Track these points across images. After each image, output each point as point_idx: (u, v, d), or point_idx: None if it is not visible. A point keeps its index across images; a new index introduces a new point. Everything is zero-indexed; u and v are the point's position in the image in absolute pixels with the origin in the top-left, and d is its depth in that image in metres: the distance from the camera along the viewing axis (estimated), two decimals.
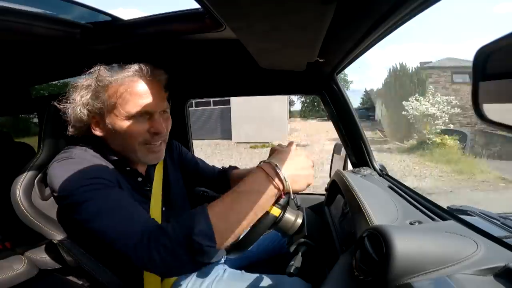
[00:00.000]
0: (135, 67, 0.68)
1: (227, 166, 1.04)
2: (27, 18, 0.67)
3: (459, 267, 0.44)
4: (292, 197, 0.58)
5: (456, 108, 10.03)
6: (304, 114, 30.57)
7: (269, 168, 0.54)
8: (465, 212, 0.73)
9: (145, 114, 0.68)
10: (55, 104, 0.70)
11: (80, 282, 0.88)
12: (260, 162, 0.57)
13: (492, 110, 0.34)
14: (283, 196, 0.56)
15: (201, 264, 0.51)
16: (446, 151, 8.79)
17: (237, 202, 0.52)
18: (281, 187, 0.53)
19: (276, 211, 0.59)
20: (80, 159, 0.64)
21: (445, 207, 0.72)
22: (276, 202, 0.59)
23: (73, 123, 0.70)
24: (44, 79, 1.27)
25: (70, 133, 0.72)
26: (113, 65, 0.69)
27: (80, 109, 0.67)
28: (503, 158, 8.30)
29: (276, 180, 0.53)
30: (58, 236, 0.77)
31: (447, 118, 10.09)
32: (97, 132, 0.70)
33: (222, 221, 0.51)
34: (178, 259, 0.50)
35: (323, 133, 13.66)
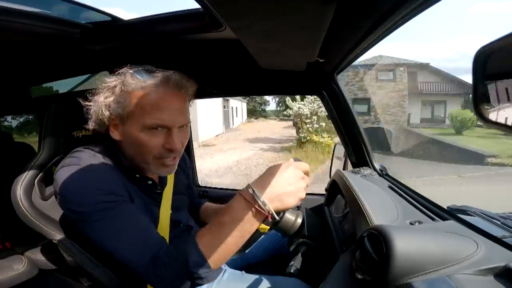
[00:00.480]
0: (164, 75, 0.64)
1: None
2: (27, 18, 0.67)
3: (459, 267, 0.44)
4: (278, 217, 0.61)
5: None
6: (277, 113, 30.99)
7: (247, 194, 0.56)
8: (465, 212, 0.73)
9: (162, 128, 0.64)
10: (80, 100, 0.68)
11: (80, 282, 0.87)
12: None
13: (492, 110, 0.34)
14: (269, 218, 0.56)
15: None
16: (314, 149, 9.64)
17: (222, 232, 0.57)
18: (262, 211, 0.55)
19: (264, 228, 0.60)
20: (89, 166, 0.62)
21: (445, 207, 0.72)
22: (264, 222, 0.60)
23: (93, 122, 0.68)
24: (44, 79, 1.27)
25: (90, 128, 0.69)
26: (141, 69, 0.65)
27: (102, 110, 0.65)
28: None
29: (256, 206, 0.55)
30: (58, 236, 0.77)
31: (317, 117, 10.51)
32: (115, 136, 0.68)
33: (212, 250, 0.57)
34: (181, 285, 0.59)
35: (258, 133, 13.91)
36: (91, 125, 0.69)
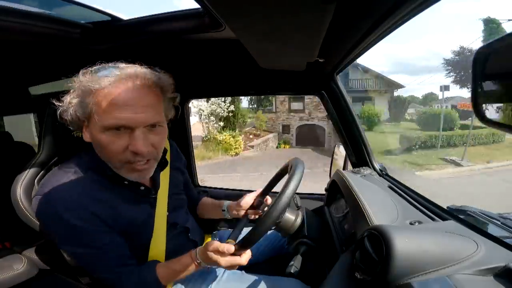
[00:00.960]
0: (129, 71, 0.59)
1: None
2: (27, 18, 0.67)
3: (459, 267, 0.44)
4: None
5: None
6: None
7: (193, 254, 0.71)
8: (465, 212, 0.73)
9: (124, 128, 0.58)
10: (54, 102, 0.64)
11: (80, 282, 0.88)
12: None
13: (492, 110, 0.34)
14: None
15: None
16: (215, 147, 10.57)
17: (176, 273, 0.72)
18: (198, 266, 0.72)
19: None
20: (57, 195, 0.61)
21: (445, 207, 0.72)
22: None
23: (69, 125, 0.64)
24: (44, 79, 1.26)
25: (76, 134, 0.66)
26: (107, 66, 0.61)
27: (71, 111, 0.60)
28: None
29: (196, 262, 0.71)
30: None
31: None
32: (86, 138, 0.63)
33: (164, 280, 0.72)
34: None
35: None
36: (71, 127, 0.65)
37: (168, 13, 0.75)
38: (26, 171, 0.79)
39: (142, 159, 0.62)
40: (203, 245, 0.72)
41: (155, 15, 0.77)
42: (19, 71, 1.13)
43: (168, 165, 0.82)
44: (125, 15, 0.80)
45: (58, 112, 0.62)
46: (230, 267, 0.68)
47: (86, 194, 0.62)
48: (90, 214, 0.61)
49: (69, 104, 0.60)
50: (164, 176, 0.82)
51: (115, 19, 0.80)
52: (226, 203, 0.96)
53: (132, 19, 0.79)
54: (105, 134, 0.58)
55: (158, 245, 0.76)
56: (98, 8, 0.79)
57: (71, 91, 0.61)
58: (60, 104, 0.62)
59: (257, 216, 0.88)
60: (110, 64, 0.61)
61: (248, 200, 0.90)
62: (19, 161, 0.93)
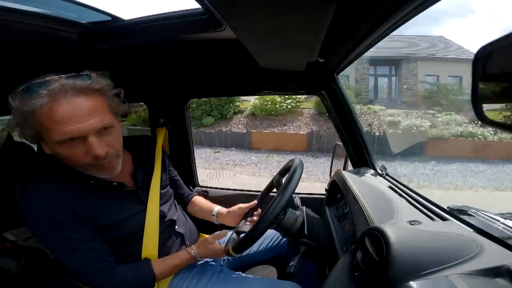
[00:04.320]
0: (58, 83, 0.57)
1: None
2: (27, 17, 0.67)
3: (459, 267, 0.44)
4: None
5: None
6: None
7: (190, 250, 0.83)
8: (465, 212, 0.73)
9: (77, 138, 0.59)
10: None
11: (80, 282, 0.88)
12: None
13: (492, 110, 0.34)
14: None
15: None
16: None
17: (172, 268, 0.80)
18: (195, 260, 0.83)
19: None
20: (32, 199, 0.64)
21: (446, 207, 0.72)
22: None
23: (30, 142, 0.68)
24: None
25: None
26: (27, 85, 0.58)
27: (21, 132, 0.61)
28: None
29: (192, 255, 0.82)
30: None
31: None
32: (47, 151, 0.64)
33: (160, 276, 0.78)
34: None
35: None
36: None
37: (168, 13, 0.75)
38: (27, 172, 0.79)
39: (104, 161, 0.64)
40: (200, 241, 0.84)
41: (156, 15, 0.77)
42: (19, 71, 1.12)
43: (159, 169, 0.89)
44: (125, 15, 0.80)
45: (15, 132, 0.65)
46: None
47: (58, 190, 0.66)
48: (61, 207, 0.64)
49: (15, 126, 0.61)
50: (157, 170, 0.87)
51: (115, 19, 0.80)
52: (216, 209, 1.00)
53: (133, 19, 0.79)
54: (62, 147, 0.59)
55: (151, 241, 0.79)
56: (99, 8, 0.79)
57: (12, 115, 0.60)
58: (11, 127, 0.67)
59: (246, 225, 0.90)
60: (34, 82, 0.58)
61: (238, 212, 0.93)
62: (19, 161, 0.93)
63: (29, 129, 0.60)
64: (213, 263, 0.90)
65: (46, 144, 0.63)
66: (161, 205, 0.85)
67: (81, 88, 0.59)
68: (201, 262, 0.87)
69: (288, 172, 0.75)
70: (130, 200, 0.79)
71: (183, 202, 1.07)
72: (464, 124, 7.86)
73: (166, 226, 0.86)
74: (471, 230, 0.56)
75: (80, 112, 0.58)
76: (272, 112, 9.27)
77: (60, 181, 0.67)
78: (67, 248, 0.67)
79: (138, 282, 0.74)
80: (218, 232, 0.84)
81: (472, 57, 0.33)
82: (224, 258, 1.01)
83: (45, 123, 0.57)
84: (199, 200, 1.08)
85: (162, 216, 0.84)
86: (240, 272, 0.87)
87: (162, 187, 0.90)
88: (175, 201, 0.97)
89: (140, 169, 0.84)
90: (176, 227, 0.89)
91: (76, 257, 0.68)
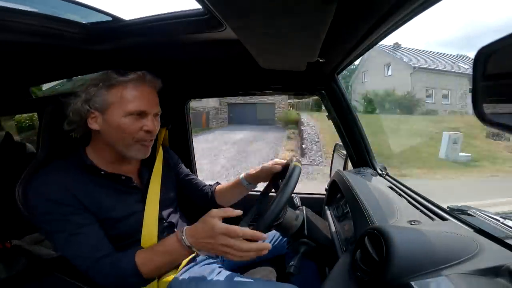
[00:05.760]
0: (139, 73, 0.78)
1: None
2: (27, 18, 0.67)
3: (459, 267, 0.44)
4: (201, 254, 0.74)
5: None
6: None
7: (179, 235, 0.69)
8: (465, 212, 0.73)
9: (141, 114, 0.76)
10: (60, 98, 0.77)
11: (80, 281, 0.88)
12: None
13: (492, 110, 0.34)
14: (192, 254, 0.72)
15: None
16: None
17: (158, 255, 0.70)
18: (188, 250, 0.68)
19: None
20: (42, 181, 0.71)
21: (446, 207, 0.72)
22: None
23: (70, 118, 0.76)
24: (44, 79, 1.27)
25: (66, 128, 0.78)
26: (120, 70, 0.77)
27: (81, 104, 0.74)
28: None
29: (184, 245, 0.67)
30: None
31: None
32: (94, 126, 0.76)
33: (146, 265, 0.69)
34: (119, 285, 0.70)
35: None
36: (65, 125, 0.77)
37: (169, 13, 0.75)
38: (26, 171, 0.79)
39: (151, 136, 0.80)
40: (196, 223, 0.67)
41: (156, 15, 0.77)
42: (19, 71, 1.13)
43: (159, 168, 0.90)
44: (126, 15, 0.80)
45: (69, 108, 0.76)
46: (242, 256, 0.62)
47: (67, 177, 0.72)
48: (67, 191, 0.70)
49: (82, 98, 0.75)
50: (157, 171, 0.89)
51: (116, 19, 0.80)
52: (242, 175, 0.99)
53: (133, 19, 0.79)
54: (126, 118, 0.74)
55: (148, 242, 0.78)
56: (99, 8, 0.79)
57: (90, 85, 0.75)
58: (68, 99, 0.76)
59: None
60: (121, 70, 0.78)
61: (266, 166, 0.92)
62: (19, 161, 0.93)
63: (103, 99, 0.74)
64: (212, 263, 0.90)
65: (100, 119, 0.75)
66: (162, 207, 0.86)
67: (155, 83, 0.82)
68: (201, 263, 0.87)
69: (286, 173, 0.75)
70: (134, 197, 0.82)
71: (207, 196, 1.04)
72: None
73: (165, 228, 0.86)
74: (471, 230, 0.56)
75: (151, 97, 0.79)
76: None
77: (71, 170, 0.74)
78: (66, 232, 0.68)
79: (118, 272, 0.68)
80: (229, 208, 0.69)
81: None
82: (225, 260, 1.01)
83: (127, 96, 0.74)
84: (221, 186, 1.07)
85: (161, 218, 0.85)
86: (239, 274, 0.87)
87: (166, 189, 0.91)
88: (178, 207, 0.98)
89: (145, 169, 0.88)
90: (175, 230, 0.88)
91: (76, 242, 0.69)
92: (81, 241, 0.69)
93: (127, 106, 0.74)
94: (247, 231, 0.63)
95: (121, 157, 0.80)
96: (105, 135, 0.76)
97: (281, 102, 16.66)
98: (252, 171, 0.97)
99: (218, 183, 1.10)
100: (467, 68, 16.36)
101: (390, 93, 16.02)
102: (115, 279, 0.69)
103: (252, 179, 0.97)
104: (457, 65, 17.13)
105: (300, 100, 18.11)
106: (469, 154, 7.50)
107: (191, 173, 1.08)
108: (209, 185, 1.08)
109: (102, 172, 0.77)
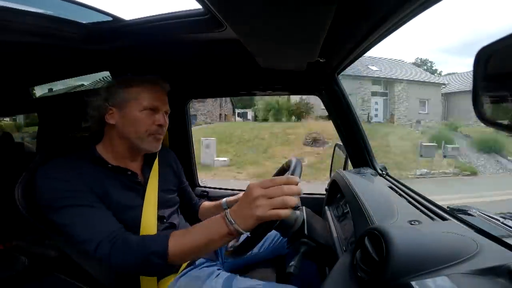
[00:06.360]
0: (153, 77, 0.89)
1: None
2: (28, 18, 0.67)
3: (459, 267, 0.44)
4: (236, 242, 0.73)
5: None
6: None
7: (223, 213, 0.64)
8: (465, 212, 0.73)
9: (155, 109, 0.85)
10: (84, 97, 0.86)
11: (80, 281, 0.88)
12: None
13: (492, 110, 0.34)
14: (235, 235, 0.63)
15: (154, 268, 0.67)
16: None
17: (193, 233, 0.67)
18: (230, 228, 0.61)
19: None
20: (59, 171, 0.74)
21: (446, 207, 0.72)
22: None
23: (90, 113, 0.85)
24: (45, 79, 1.27)
25: (86, 124, 0.86)
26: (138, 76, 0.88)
27: (102, 101, 0.83)
28: None
29: (227, 221, 0.62)
30: (58, 236, 0.77)
31: None
32: (110, 121, 0.84)
33: (178, 246, 0.66)
34: (132, 266, 0.68)
35: None
36: (89, 120, 0.85)
37: (169, 13, 0.75)
38: (25, 172, 0.79)
39: (162, 131, 0.88)
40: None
41: (157, 15, 0.77)
42: (20, 71, 1.13)
43: (156, 167, 0.93)
44: (126, 15, 0.80)
45: (90, 105, 0.85)
46: (272, 204, 0.58)
47: (77, 166, 0.77)
48: (78, 175, 0.74)
49: (102, 96, 0.83)
50: (154, 170, 0.92)
51: (116, 19, 0.80)
52: (224, 200, 1.03)
53: (134, 19, 0.79)
54: (142, 113, 0.83)
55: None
56: (100, 8, 0.79)
57: (111, 86, 0.85)
58: (91, 98, 0.85)
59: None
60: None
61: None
62: (19, 161, 0.93)
63: (122, 96, 0.83)
64: (212, 266, 0.90)
65: (117, 113, 0.83)
66: (163, 207, 0.88)
67: (166, 87, 0.91)
68: (200, 266, 0.87)
69: (288, 171, 0.75)
70: (136, 193, 0.84)
71: (194, 210, 1.13)
72: None
73: (166, 227, 0.86)
74: (471, 230, 0.56)
75: (162, 97, 0.88)
76: None
77: (79, 161, 0.79)
78: (75, 207, 0.70)
79: (146, 252, 0.65)
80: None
81: None
82: (225, 260, 1.01)
83: (143, 94, 0.83)
84: (206, 203, 1.14)
85: (161, 216, 0.86)
86: (238, 275, 0.87)
87: (168, 191, 0.94)
88: (179, 210, 1.00)
89: (147, 167, 0.92)
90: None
91: (88, 215, 0.70)
92: (92, 214, 0.70)
93: (143, 102, 0.83)
94: (280, 177, 0.61)
95: (132, 151, 0.86)
96: (120, 129, 0.84)
97: None
98: (232, 198, 1.03)
99: (204, 200, 1.17)
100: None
101: None
102: (134, 258, 0.65)
103: (232, 203, 1.00)
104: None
105: None
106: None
107: (189, 186, 1.15)
108: (198, 199, 1.16)
109: (110, 165, 0.82)
